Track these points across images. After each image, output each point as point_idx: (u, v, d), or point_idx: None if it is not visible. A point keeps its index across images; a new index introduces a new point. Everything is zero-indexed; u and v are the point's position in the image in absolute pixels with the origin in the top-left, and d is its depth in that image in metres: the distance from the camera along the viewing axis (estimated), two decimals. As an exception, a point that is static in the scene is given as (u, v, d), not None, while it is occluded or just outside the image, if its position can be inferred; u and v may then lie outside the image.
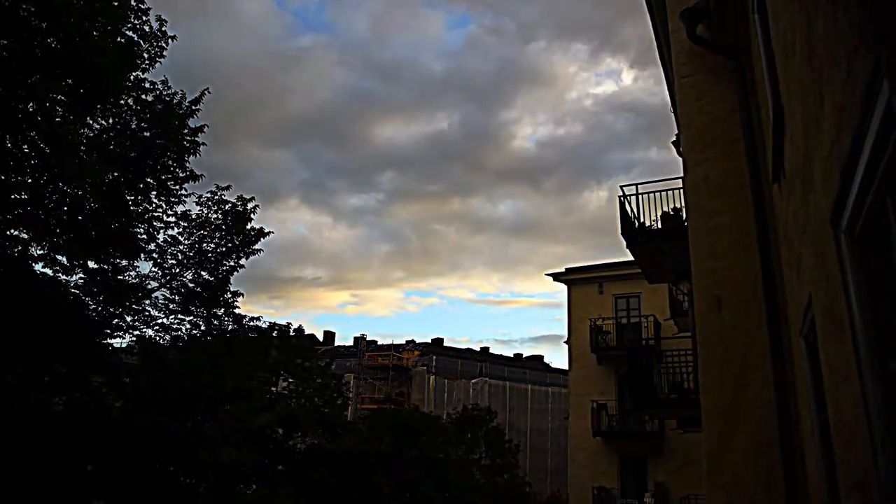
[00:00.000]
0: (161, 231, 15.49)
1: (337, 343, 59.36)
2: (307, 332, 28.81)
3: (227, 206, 17.89)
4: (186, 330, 17.95)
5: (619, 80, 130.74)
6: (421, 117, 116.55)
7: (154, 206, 14.48)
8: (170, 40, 13.03)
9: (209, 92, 14.49)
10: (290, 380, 22.65)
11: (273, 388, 21.50)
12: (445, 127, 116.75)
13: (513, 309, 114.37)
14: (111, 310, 15.46)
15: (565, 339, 27.55)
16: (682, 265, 10.62)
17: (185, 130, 14.05)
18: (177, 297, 17.72)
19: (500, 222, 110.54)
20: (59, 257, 13.54)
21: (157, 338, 17.29)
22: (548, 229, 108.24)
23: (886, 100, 1.61)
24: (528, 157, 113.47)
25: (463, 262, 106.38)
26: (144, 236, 14.86)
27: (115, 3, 11.80)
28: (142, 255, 15.48)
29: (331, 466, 22.58)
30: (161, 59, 13.09)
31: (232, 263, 18.31)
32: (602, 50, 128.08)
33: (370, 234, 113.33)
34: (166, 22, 12.86)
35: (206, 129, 14.40)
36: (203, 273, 17.97)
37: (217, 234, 17.84)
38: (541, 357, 66.00)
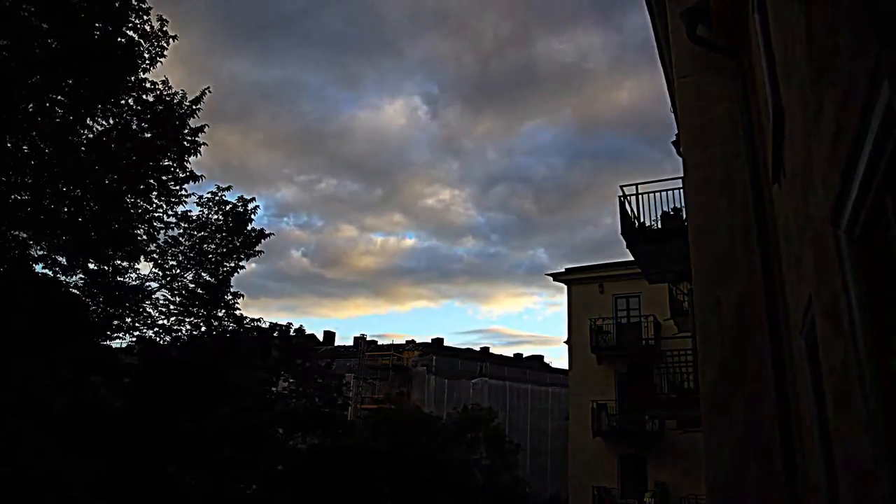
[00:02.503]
0: (161, 232, 15.51)
1: (337, 343, 59.34)
2: (307, 332, 28.80)
3: (227, 207, 17.91)
4: (187, 331, 17.97)
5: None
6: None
7: (154, 206, 14.47)
8: (171, 40, 13.01)
9: (209, 91, 14.49)
10: (291, 380, 22.63)
11: (273, 388, 21.47)
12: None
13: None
14: (111, 311, 15.46)
15: (565, 339, 27.54)
16: (682, 265, 10.62)
17: (186, 130, 14.04)
18: (177, 299, 17.74)
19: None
20: (59, 258, 13.54)
21: (158, 339, 17.31)
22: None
23: (886, 100, 1.61)
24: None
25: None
26: (145, 237, 14.86)
27: (117, 4, 11.79)
28: (142, 257, 15.48)
29: (331, 466, 22.56)
30: (162, 59, 13.08)
31: (232, 265, 18.33)
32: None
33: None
34: (167, 21, 12.85)
35: (206, 129, 14.41)
36: (204, 274, 17.98)
37: (218, 236, 17.85)
38: (541, 357, 66.04)
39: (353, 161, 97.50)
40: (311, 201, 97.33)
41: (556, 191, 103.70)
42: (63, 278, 14.01)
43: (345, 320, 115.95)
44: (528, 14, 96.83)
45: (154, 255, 16.50)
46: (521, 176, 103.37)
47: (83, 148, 12.54)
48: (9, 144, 11.54)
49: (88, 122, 12.66)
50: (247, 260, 18.41)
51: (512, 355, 63.04)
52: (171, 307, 17.71)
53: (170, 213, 15.07)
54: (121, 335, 16.19)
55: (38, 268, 13.35)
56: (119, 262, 14.70)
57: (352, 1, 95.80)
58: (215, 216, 17.80)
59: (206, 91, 14.43)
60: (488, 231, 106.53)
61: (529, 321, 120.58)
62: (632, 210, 11.88)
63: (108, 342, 15.75)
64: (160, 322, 17.37)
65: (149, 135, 13.53)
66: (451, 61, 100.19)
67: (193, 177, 14.49)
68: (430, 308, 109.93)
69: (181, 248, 17.48)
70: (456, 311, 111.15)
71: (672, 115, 9.75)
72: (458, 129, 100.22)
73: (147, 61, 12.87)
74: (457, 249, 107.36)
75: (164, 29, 12.84)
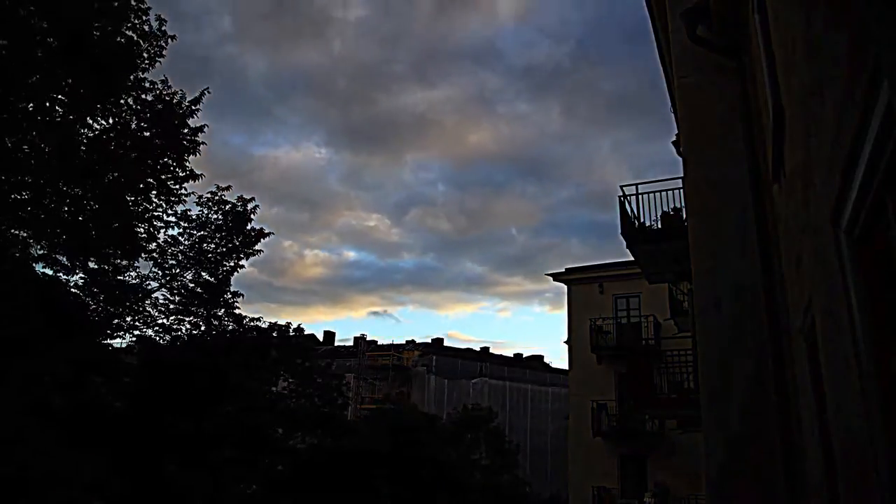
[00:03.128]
0: (161, 231, 15.52)
1: (337, 343, 59.35)
2: (307, 332, 28.78)
3: (227, 207, 17.90)
4: (187, 330, 17.98)
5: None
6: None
7: (154, 205, 14.49)
8: (169, 40, 13.02)
9: (209, 92, 14.50)
10: (290, 380, 22.62)
11: (273, 388, 21.47)
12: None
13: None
14: (111, 310, 15.47)
15: (565, 338, 27.55)
16: (682, 265, 10.63)
17: (185, 130, 14.05)
18: (177, 298, 17.74)
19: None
20: (59, 257, 13.55)
21: (158, 338, 17.31)
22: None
23: (886, 100, 1.60)
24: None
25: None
26: (145, 236, 14.87)
27: (115, 4, 11.79)
28: (142, 256, 15.49)
29: (331, 466, 22.55)
30: (161, 59, 13.08)
31: (232, 264, 18.32)
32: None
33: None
34: (166, 22, 12.87)
35: (205, 129, 14.42)
36: (203, 273, 17.98)
37: (217, 235, 17.85)
38: (541, 357, 65.98)
39: (273, 190, 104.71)
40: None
41: (462, 214, 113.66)
42: (63, 278, 14.03)
43: (308, 325, 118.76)
44: (372, 77, 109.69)
45: (154, 255, 16.50)
46: (427, 202, 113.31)
47: (83, 147, 12.54)
48: (9, 144, 11.55)
49: (88, 121, 12.68)
50: (246, 259, 18.43)
51: (512, 355, 63.03)
52: (171, 307, 17.72)
53: (169, 212, 15.09)
54: (121, 335, 16.22)
55: (39, 267, 13.37)
56: (119, 261, 14.71)
57: (220, 76, 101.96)
58: (215, 216, 17.80)
59: (206, 91, 14.46)
60: (420, 248, 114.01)
61: (482, 327, 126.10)
62: (632, 210, 11.88)
63: (108, 342, 15.77)
64: (160, 321, 17.39)
65: (148, 134, 13.54)
66: (321, 119, 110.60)
67: (193, 176, 14.51)
68: (386, 314, 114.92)
69: (181, 247, 17.49)
70: (410, 316, 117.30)
71: (672, 115, 9.75)
72: (356, 166, 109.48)
73: (146, 61, 12.89)
74: (398, 262, 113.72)
75: (163, 29, 12.87)
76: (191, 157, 14.24)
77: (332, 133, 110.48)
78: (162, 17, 12.77)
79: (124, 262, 14.98)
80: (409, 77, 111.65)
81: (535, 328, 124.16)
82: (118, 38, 12.11)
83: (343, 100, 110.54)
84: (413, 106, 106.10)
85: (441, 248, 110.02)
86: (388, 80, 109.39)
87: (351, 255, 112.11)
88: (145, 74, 13.13)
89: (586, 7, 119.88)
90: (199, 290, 17.95)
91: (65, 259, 13.65)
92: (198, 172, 14.56)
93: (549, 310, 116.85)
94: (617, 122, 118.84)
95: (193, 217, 17.47)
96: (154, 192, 14.19)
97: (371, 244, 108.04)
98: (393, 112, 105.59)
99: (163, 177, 14.10)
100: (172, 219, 15.60)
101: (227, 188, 18.11)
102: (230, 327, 18.68)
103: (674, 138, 11.50)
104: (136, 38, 12.48)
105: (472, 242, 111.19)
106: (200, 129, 14.27)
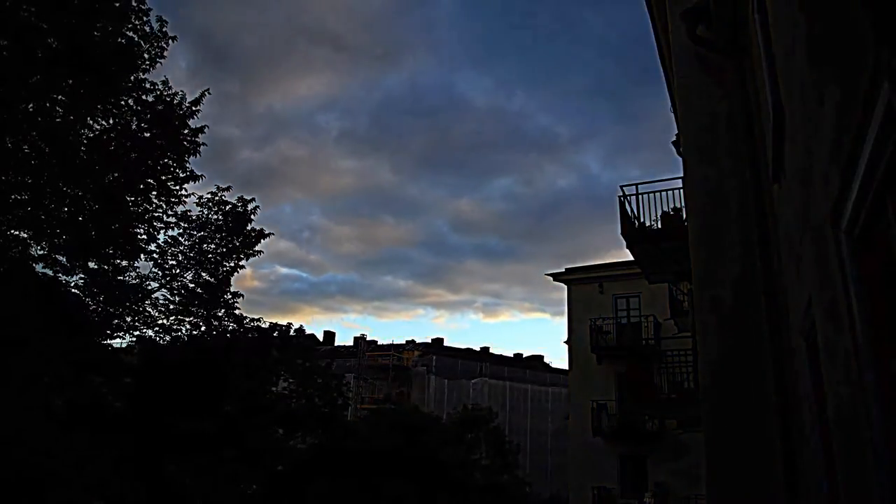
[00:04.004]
0: (161, 232, 15.49)
1: (337, 343, 59.35)
2: (307, 332, 28.76)
3: (227, 207, 17.89)
4: (187, 331, 17.96)
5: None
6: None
7: (154, 206, 14.47)
8: (170, 41, 13.03)
9: (209, 93, 14.50)
10: (291, 380, 22.60)
11: (273, 389, 21.46)
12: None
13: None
14: (111, 310, 15.46)
15: (565, 338, 27.56)
16: (682, 265, 10.64)
17: (186, 131, 14.05)
18: (177, 298, 17.73)
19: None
20: (59, 258, 13.54)
21: (158, 338, 17.30)
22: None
23: (886, 100, 1.61)
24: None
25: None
26: (144, 237, 14.86)
27: (116, 4, 11.80)
28: (142, 256, 15.48)
29: (331, 466, 22.55)
30: (162, 60, 13.09)
31: (232, 264, 18.32)
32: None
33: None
34: (167, 23, 12.87)
35: (206, 130, 14.42)
36: (203, 274, 17.97)
37: (217, 235, 17.84)
38: (541, 357, 66.00)
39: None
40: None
41: (356, 240, 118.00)
42: (63, 278, 14.01)
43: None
44: (211, 141, 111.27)
45: (154, 255, 16.49)
46: (321, 230, 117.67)
47: (83, 148, 12.54)
48: (9, 144, 11.55)
49: (88, 121, 12.67)
50: (246, 260, 18.42)
51: (512, 355, 63.05)
52: (171, 307, 17.71)
53: (170, 213, 15.07)
54: (121, 335, 16.19)
55: (39, 267, 13.36)
56: (119, 261, 14.70)
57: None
58: (215, 216, 17.79)
59: (206, 93, 14.46)
60: (342, 266, 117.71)
61: (423, 334, 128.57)
62: (632, 210, 11.89)
63: (108, 342, 15.76)
64: (160, 322, 17.35)
65: (149, 135, 13.53)
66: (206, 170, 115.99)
67: (193, 177, 14.50)
68: (331, 322, 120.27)
69: (181, 247, 17.46)
70: (356, 322, 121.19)
71: (672, 115, 9.75)
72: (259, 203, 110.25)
73: (147, 62, 12.89)
74: (328, 276, 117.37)
75: (164, 30, 12.86)
76: (191, 157, 14.26)
77: (218, 180, 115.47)
78: (163, 17, 12.79)
79: (124, 263, 14.96)
80: (244, 143, 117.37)
81: (473, 334, 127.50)
82: (119, 39, 12.11)
83: (206, 159, 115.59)
84: (255, 162, 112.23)
85: (360, 267, 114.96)
86: (226, 145, 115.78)
87: (283, 270, 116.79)
88: (146, 75, 13.14)
89: (371, 91, 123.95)
90: (199, 290, 17.93)
91: (65, 259, 13.63)
92: (198, 174, 14.58)
93: (482, 318, 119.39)
94: (430, 176, 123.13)
95: (194, 218, 17.45)
96: (154, 192, 14.17)
97: (297, 263, 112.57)
98: (243, 166, 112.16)
99: (163, 177, 14.09)
100: (172, 219, 15.59)
101: (228, 189, 18.12)
102: (230, 327, 18.67)
103: (674, 138, 11.50)
104: (136, 38, 12.49)
105: (381, 261, 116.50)
106: (201, 129, 14.27)
